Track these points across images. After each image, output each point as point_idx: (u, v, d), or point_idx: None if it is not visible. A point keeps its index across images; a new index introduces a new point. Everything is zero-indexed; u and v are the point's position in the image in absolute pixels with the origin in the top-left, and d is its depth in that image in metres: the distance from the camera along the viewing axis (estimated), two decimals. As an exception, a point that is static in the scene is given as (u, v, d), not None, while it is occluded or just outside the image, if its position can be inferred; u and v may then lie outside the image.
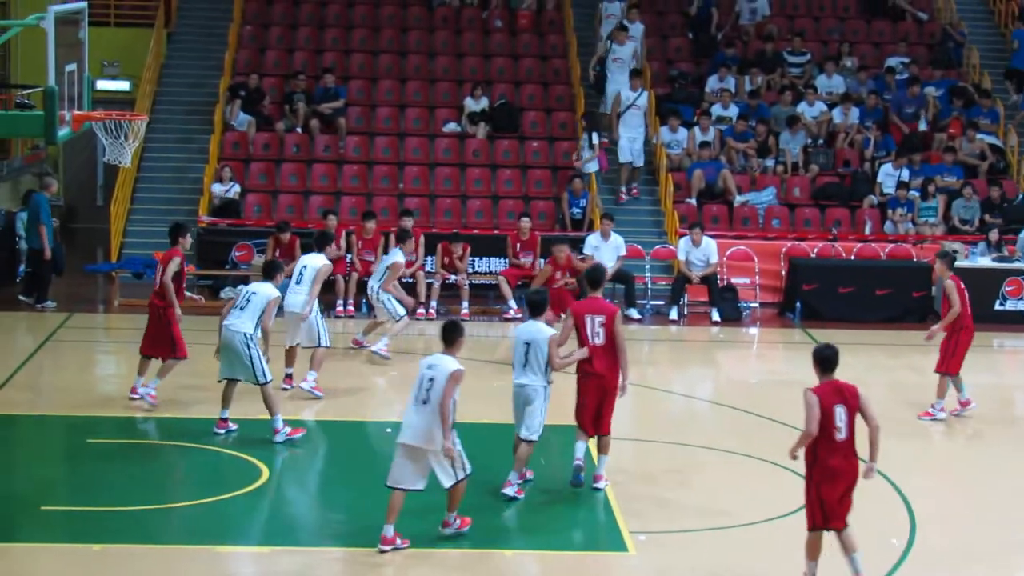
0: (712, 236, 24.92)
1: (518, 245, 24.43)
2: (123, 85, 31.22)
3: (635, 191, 27.74)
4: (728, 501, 14.21)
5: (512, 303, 23.62)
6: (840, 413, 11.29)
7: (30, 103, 18.19)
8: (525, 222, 24.56)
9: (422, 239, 23.92)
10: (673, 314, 24.22)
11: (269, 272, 16.16)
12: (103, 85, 29.72)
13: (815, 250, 25.64)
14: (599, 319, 13.92)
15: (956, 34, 31.56)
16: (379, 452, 15.13)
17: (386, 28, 31.02)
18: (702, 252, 24.35)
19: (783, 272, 25.36)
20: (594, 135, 27.10)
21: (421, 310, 23.26)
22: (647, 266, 25.22)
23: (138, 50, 29.85)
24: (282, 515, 13.80)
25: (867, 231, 26.33)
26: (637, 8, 30.03)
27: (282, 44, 30.48)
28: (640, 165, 27.81)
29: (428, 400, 12.18)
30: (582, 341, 13.95)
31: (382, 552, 12.11)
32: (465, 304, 23.84)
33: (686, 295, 24.50)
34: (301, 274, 17.81)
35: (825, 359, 11.55)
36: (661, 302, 24.71)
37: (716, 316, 24.20)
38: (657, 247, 25.73)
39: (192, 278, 23.82)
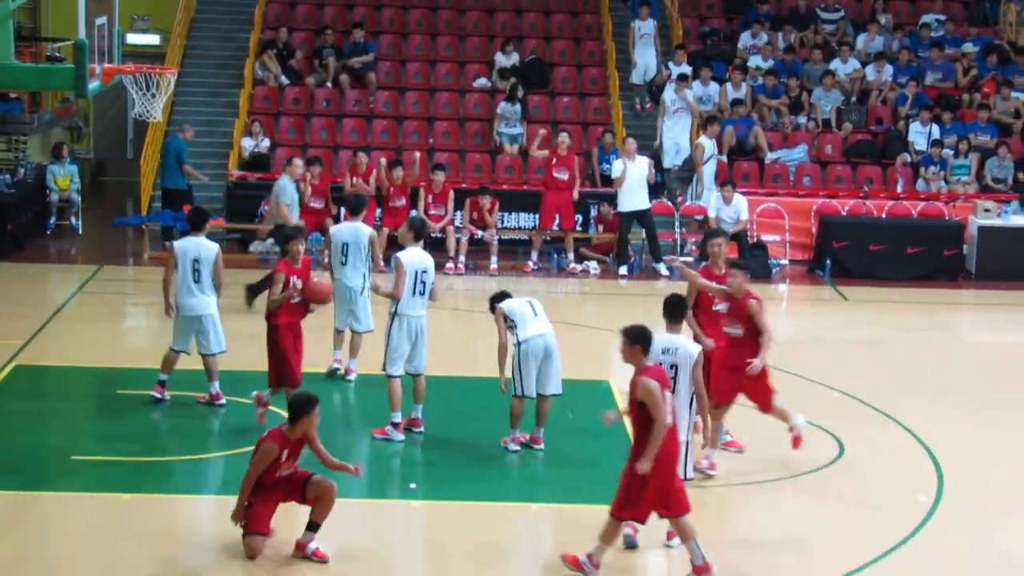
0: (743, 193, 24.78)
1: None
2: (153, 39, 31.21)
3: (681, 201, 25.66)
4: (749, 455, 14.15)
5: (534, 255, 23.80)
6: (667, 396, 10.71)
7: (61, 56, 18.28)
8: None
9: (451, 194, 23.96)
10: (702, 270, 24.16)
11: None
12: (133, 39, 29.69)
13: (846, 207, 25.54)
14: None
15: (993, -10, 31.25)
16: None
17: (417, -18, 30.93)
18: (732, 209, 24.22)
19: (813, 229, 25.27)
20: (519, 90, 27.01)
21: (450, 264, 23.28)
22: (677, 222, 25.15)
23: (168, 4, 29.83)
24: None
25: (899, 189, 26.19)
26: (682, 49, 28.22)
27: (312, -2, 30.45)
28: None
29: (674, 390, 11.24)
30: None
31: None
32: (494, 260, 23.83)
33: (716, 252, 24.41)
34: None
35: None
36: (691, 259, 24.64)
37: (746, 273, 24.09)
38: (687, 203, 25.64)
39: (222, 232, 23.90)
